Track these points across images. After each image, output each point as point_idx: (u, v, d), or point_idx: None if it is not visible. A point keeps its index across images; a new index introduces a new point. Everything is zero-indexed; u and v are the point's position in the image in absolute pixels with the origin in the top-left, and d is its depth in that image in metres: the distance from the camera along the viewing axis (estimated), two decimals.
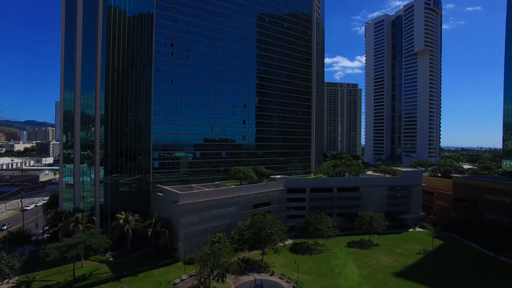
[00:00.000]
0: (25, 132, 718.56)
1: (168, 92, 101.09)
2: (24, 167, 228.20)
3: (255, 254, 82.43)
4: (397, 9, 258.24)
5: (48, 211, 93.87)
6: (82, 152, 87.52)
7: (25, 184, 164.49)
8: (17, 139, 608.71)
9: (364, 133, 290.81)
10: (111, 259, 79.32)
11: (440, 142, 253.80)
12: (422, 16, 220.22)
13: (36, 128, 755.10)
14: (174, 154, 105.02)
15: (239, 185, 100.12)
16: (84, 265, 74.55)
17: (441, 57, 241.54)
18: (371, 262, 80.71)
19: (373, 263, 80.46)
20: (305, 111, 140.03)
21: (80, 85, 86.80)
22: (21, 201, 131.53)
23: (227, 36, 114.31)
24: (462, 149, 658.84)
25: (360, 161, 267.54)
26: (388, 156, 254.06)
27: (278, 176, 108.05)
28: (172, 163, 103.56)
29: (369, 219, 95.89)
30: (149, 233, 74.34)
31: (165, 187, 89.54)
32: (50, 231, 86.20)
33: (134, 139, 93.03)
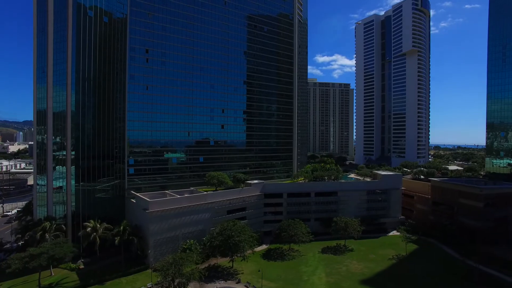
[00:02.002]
0: (21, 133, 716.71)
1: (143, 98, 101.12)
2: (13, 170, 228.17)
3: (226, 261, 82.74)
4: (388, 9, 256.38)
5: (22, 218, 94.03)
6: (54, 154, 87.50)
7: (7, 189, 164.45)
8: (13, 140, 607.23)
9: (355, 133, 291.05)
10: (82, 266, 79.56)
11: (429, 142, 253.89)
12: (410, 16, 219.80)
13: (33, 129, 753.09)
14: (150, 160, 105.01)
15: (214, 190, 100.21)
16: (53, 274, 74.71)
17: (429, 57, 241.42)
18: (341, 269, 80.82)
19: (343, 270, 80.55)
20: (286, 114, 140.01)
21: (52, 93, 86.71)
22: (1, 206, 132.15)
23: (204, 41, 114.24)
24: (459, 147, 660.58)
25: (349, 162, 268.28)
26: (378, 157, 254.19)
27: (255, 181, 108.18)
28: (149, 169, 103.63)
29: (344, 225, 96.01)
30: (116, 241, 74.46)
31: (137, 194, 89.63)
32: (25, 238, 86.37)
33: (108, 146, 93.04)
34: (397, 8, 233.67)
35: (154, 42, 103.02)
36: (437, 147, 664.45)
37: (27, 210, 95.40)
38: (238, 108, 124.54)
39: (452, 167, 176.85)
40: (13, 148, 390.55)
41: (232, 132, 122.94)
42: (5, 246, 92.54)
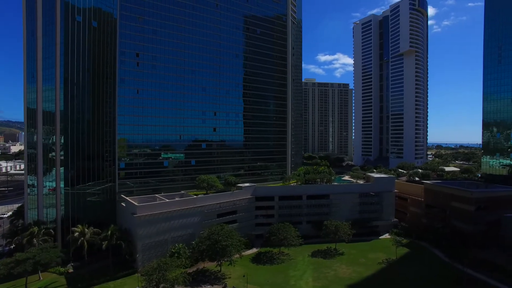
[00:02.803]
0: (23, 133, 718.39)
1: (134, 102, 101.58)
2: (13, 171, 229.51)
3: (214, 265, 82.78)
4: (386, 9, 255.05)
5: (14, 221, 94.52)
6: (44, 158, 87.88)
7: (4, 191, 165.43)
8: (16, 140, 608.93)
9: (353, 133, 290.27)
10: (71, 270, 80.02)
11: (427, 142, 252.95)
12: (407, 17, 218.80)
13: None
14: (142, 164, 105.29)
15: (205, 194, 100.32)
16: (41, 278, 75.15)
17: (427, 57, 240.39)
18: (329, 274, 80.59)
19: (331, 274, 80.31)
20: (280, 116, 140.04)
21: (41, 98, 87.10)
22: None
23: (196, 44, 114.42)
24: (461, 146, 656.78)
25: (347, 162, 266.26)
26: (377, 157, 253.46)
27: (247, 184, 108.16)
28: (140, 172, 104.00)
29: (334, 228, 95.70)
30: (104, 246, 74.74)
31: (126, 198, 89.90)
32: (16, 242, 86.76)
33: (98, 149, 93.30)
34: (395, 8, 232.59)
35: (145, 46, 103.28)
36: (439, 147, 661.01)
37: (19, 213, 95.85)
38: (230, 111, 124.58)
39: (448, 168, 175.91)
40: (15, 148, 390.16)
41: (224, 134, 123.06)
42: None
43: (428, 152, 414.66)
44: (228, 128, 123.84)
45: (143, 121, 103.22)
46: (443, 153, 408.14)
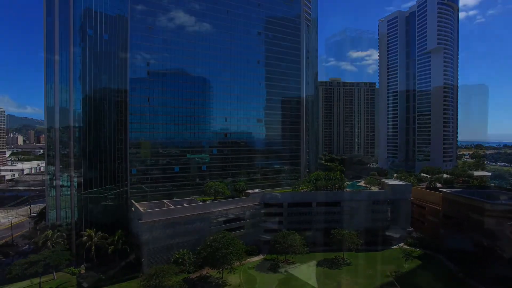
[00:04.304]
0: None
1: (144, 110, 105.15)
2: None
3: (217, 272, 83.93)
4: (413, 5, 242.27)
5: (37, 222, 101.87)
6: (61, 166, 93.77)
7: (36, 190, 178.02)
8: None
9: (379, 135, 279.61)
10: (83, 271, 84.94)
11: (457, 145, 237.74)
12: (435, 12, 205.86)
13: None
14: (153, 170, 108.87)
15: (213, 200, 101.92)
16: (56, 278, 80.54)
17: (457, 54, 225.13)
18: (330, 286, 78.93)
19: (332, 286, 78.63)
20: (294, 121, 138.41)
21: (58, 109, 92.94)
22: (29, 208, 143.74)
23: (206, 50, 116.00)
24: (505, 145, 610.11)
25: (371, 164, 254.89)
26: (403, 160, 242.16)
27: (256, 190, 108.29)
28: (151, 178, 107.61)
29: (342, 238, 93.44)
30: (110, 250, 78.52)
31: (135, 203, 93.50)
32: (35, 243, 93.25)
33: (111, 156, 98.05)
34: (422, 3, 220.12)
35: (155, 55, 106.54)
36: (479, 146, 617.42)
37: (42, 214, 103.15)
38: (242, 116, 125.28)
39: (478, 173, 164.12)
40: None
41: (235, 140, 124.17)
42: (23, 248, 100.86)
43: (465, 153, 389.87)
44: (239, 133, 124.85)
45: (154, 128, 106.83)
46: (482, 153, 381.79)
